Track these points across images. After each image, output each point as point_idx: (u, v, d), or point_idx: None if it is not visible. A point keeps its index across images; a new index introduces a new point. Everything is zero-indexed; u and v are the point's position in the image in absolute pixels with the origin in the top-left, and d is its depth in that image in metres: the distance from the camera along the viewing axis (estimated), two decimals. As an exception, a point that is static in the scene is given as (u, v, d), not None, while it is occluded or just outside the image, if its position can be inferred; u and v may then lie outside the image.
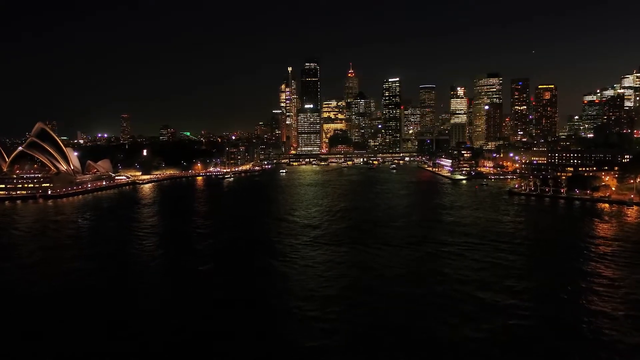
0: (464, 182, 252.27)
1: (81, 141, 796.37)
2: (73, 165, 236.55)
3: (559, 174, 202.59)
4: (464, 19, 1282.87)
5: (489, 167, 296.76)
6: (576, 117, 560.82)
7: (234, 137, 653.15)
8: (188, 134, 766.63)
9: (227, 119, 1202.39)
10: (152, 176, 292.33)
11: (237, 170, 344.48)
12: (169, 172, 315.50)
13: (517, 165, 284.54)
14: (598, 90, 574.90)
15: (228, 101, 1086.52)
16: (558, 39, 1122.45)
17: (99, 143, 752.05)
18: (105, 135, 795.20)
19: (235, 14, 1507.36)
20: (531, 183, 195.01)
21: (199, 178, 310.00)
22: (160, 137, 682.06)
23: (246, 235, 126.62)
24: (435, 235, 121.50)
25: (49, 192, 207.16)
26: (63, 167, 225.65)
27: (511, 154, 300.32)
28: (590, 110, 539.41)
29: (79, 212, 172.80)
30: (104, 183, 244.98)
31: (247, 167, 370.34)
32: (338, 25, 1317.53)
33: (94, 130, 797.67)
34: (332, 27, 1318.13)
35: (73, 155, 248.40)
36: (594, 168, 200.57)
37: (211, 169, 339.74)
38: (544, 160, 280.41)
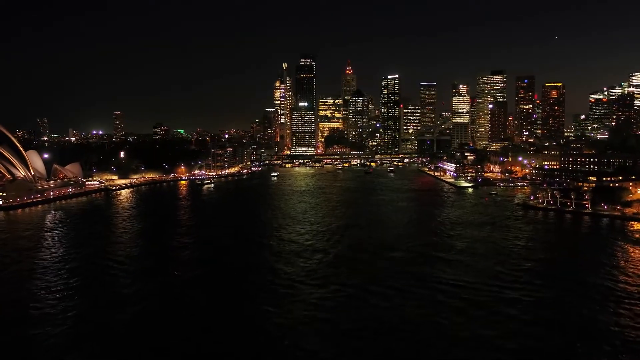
0: (470, 189, 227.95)
1: (72, 138, 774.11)
2: (34, 171, 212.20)
3: (579, 184, 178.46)
4: (466, 15, 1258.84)
5: (496, 172, 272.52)
6: (582, 116, 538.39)
7: (227, 136, 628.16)
8: (182, 131, 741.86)
9: (225, 117, 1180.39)
10: (128, 181, 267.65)
11: (224, 174, 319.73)
12: (149, 175, 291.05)
13: (527, 170, 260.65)
14: (605, 89, 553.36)
15: (226, 98, 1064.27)
16: (562, 37, 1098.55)
17: (90, 140, 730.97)
18: (101, 132, 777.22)
19: (234, 9, 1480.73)
20: (548, 194, 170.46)
21: (182, 182, 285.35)
22: (154, 135, 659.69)
23: (210, 269, 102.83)
24: (442, 271, 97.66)
25: (1, 203, 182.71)
26: (20, 172, 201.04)
27: (520, 158, 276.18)
28: (597, 110, 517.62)
29: (27, 228, 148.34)
30: (70, 190, 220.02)
31: (235, 169, 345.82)
32: (336, 21, 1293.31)
33: (89, 128, 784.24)
34: (330, 23, 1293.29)
35: (37, 159, 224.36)
36: (620, 177, 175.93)
37: (196, 172, 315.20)
38: (556, 164, 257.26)
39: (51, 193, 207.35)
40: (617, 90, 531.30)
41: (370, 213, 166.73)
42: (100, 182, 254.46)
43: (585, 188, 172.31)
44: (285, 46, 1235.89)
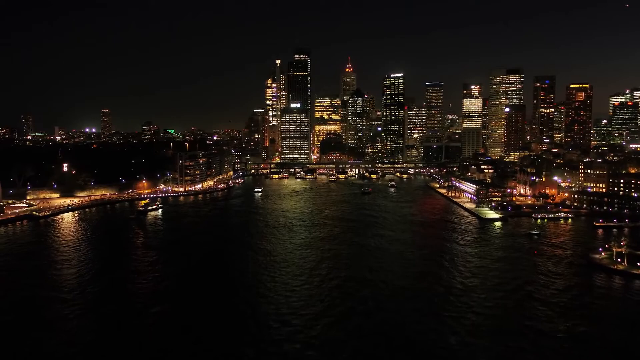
0: (498, 223, 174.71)
1: (58, 137, 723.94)
2: None
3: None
4: (474, 13, 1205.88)
5: (526, 195, 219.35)
6: (604, 120, 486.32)
7: (215, 138, 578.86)
8: (172, 131, 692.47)
9: (224, 115, 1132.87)
10: (65, 201, 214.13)
11: (194, 190, 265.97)
12: (101, 192, 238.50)
13: (565, 194, 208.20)
14: (627, 91, 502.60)
15: (226, 96, 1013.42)
16: (574, 38, 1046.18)
17: (76, 139, 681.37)
18: (94, 130, 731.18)
19: (232, 5, 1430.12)
20: (622, 244, 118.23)
21: (143, 202, 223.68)
22: (143, 134, 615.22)
23: None
24: None
25: None
26: None
27: (555, 177, 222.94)
28: (621, 114, 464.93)
29: None
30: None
31: (210, 183, 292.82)
32: (337, 16, 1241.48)
33: (80, 127, 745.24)
34: (330, 18, 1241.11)
35: None
36: None
37: (162, 187, 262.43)
38: (602, 187, 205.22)
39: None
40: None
41: (364, 276, 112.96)
42: (30, 205, 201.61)
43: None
44: (285, 43, 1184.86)
